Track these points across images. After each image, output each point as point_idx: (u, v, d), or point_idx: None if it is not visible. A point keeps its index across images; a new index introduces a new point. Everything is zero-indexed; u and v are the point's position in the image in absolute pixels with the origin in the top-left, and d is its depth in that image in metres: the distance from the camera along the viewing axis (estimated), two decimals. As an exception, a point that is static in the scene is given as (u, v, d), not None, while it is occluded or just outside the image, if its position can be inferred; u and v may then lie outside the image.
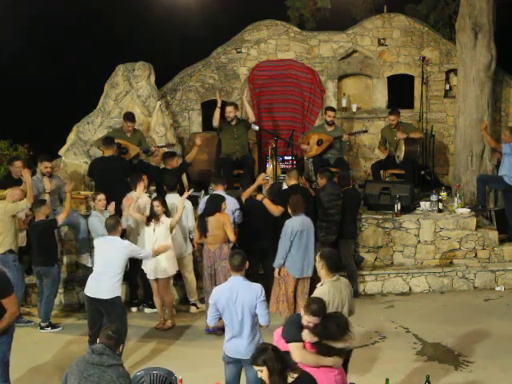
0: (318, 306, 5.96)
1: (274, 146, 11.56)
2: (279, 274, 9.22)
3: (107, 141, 10.75)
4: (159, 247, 9.14)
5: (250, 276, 9.64)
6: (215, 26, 15.43)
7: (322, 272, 6.67)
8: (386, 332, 9.39)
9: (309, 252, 9.22)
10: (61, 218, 9.65)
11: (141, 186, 10.08)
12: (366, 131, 12.61)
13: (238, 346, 6.81)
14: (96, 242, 8.53)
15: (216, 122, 11.75)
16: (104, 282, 8.11)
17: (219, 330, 9.23)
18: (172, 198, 9.93)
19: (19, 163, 10.52)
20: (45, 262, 9.63)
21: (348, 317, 6.64)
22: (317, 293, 6.57)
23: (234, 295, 6.76)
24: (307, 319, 5.95)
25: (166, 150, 11.66)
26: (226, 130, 11.81)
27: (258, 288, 6.83)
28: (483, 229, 11.33)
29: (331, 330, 5.89)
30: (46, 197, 10.15)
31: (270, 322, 6.90)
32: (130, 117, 11.46)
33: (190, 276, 10.26)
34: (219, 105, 11.77)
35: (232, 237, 9.33)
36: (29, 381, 8.27)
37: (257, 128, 11.77)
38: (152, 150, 11.45)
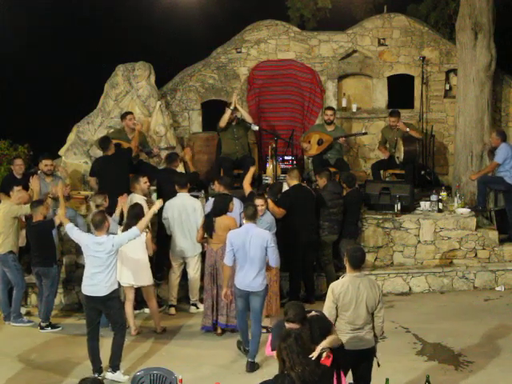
0: (293, 312, 5.97)
1: (273, 145, 11.56)
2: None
3: (104, 143, 10.71)
4: (144, 219, 8.57)
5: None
6: (215, 26, 15.44)
7: (347, 266, 6.81)
8: (386, 332, 9.35)
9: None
10: (57, 219, 9.60)
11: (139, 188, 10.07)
12: (365, 133, 12.56)
13: (249, 280, 8.34)
14: (85, 244, 8.17)
15: (224, 123, 11.68)
16: (101, 280, 8.07)
17: (215, 330, 9.32)
18: (181, 197, 9.96)
19: (19, 161, 10.75)
20: (43, 262, 9.61)
21: (376, 319, 6.72)
22: (334, 283, 6.84)
23: (249, 237, 8.29)
24: (287, 325, 5.97)
25: (167, 152, 11.67)
26: (226, 130, 11.81)
27: (268, 234, 8.46)
28: (483, 229, 11.34)
29: (315, 335, 5.86)
30: (49, 201, 10.13)
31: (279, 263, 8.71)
32: (127, 111, 11.51)
33: (194, 276, 10.24)
34: (232, 107, 11.66)
35: None
36: (29, 381, 8.27)
37: (256, 128, 11.76)
38: (154, 153, 11.44)
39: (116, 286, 8.24)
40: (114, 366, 8.21)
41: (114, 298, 8.20)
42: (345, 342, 6.55)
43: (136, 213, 9.10)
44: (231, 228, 9.14)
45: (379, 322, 6.79)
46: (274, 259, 8.45)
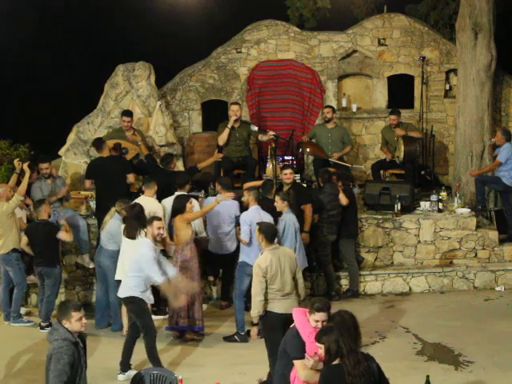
0: (320, 303, 6.07)
1: (273, 145, 11.56)
2: None
3: (97, 144, 10.60)
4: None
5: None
6: (215, 25, 15.43)
7: (263, 243, 7.63)
8: (385, 332, 9.40)
9: (302, 244, 9.72)
10: (63, 236, 9.65)
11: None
12: (349, 167, 11.99)
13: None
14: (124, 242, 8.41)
15: (223, 142, 11.65)
16: (126, 278, 8.15)
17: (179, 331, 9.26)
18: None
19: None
20: (47, 262, 9.60)
21: (299, 282, 7.59)
22: (257, 260, 7.56)
23: (261, 217, 8.99)
24: (315, 318, 5.98)
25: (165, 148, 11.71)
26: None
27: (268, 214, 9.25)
28: (483, 229, 11.34)
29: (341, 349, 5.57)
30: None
31: None
32: (125, 112, 11.47)
33: None
34: (230, 125, 11.60)
35: (194, 216, 9.28)
36: (29, 380, 8.27)
37: (255, 128, 11.75)
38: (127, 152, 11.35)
39: (135, 293, 8.07)
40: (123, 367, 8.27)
41: (134, 303, 8.11)
42: (277, 307, 7.40)
43: (136, 213, 9.09)
44: (189, 218, 9.14)
45: (301, 282, 7.66)
46: None
